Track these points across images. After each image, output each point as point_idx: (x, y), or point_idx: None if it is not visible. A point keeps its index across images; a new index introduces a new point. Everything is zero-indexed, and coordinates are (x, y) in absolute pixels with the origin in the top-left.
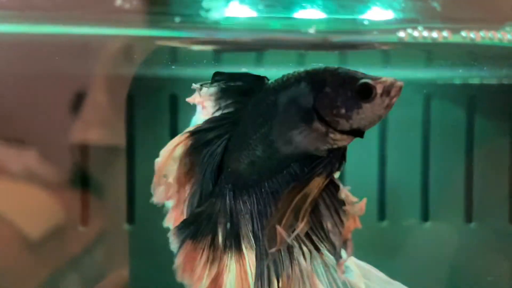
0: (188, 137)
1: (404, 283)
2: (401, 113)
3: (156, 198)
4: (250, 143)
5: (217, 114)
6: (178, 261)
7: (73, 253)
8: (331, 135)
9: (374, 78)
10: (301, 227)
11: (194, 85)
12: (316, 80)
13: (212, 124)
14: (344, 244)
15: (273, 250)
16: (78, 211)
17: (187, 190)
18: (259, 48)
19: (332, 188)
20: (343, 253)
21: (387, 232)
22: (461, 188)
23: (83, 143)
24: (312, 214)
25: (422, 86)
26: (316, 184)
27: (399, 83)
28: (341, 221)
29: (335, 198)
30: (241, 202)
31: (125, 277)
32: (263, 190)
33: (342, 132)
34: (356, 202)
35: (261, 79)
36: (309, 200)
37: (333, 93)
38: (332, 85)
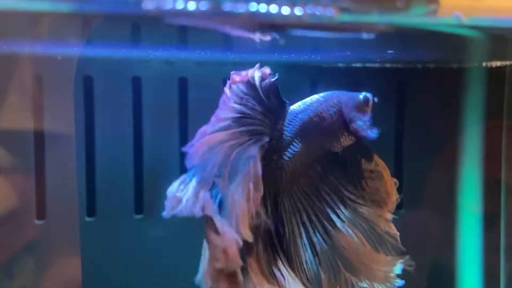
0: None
1: None
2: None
3: None
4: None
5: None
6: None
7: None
8: (351, 135)
9: (361, 93)
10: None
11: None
12: (335, 104)
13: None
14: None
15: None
16: (33, 200)
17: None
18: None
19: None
20: None
21: None
22: None
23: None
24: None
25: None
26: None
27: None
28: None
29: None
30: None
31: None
32: (296, 189)
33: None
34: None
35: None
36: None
37: (349, 108)
38: (347, 104)
